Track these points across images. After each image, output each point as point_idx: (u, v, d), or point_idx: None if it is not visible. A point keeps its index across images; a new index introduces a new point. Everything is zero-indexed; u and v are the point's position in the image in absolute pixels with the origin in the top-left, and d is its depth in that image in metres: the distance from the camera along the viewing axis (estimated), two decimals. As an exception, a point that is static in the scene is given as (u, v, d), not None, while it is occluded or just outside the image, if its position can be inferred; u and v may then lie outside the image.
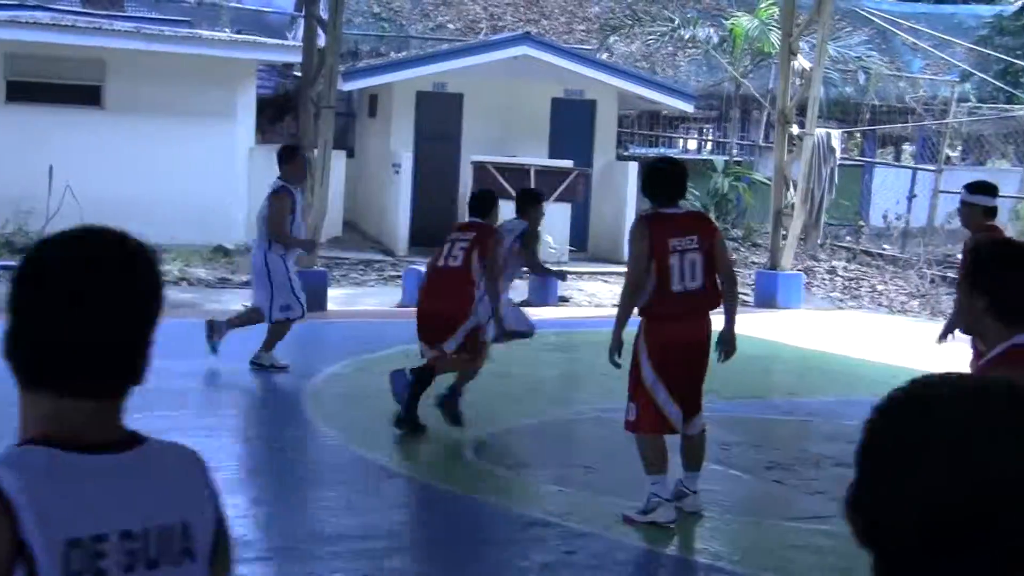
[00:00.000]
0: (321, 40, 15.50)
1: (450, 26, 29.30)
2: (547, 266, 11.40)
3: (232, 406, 9.83)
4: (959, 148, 29.04)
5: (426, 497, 7.90)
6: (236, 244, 19.76)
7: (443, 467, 8.51)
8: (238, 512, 7.08)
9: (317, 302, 14.98)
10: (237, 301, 16.18)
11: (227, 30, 22.98)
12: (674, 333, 7.06)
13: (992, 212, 9.82)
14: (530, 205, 9.83)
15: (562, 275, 11.37)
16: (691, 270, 7.03)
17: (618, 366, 7.06)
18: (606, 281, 18.85)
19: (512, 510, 7.46)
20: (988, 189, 9.79)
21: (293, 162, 11.47)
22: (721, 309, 7.30)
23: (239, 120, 20.91)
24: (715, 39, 26.55)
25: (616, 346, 7.20)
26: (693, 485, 7.31)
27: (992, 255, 3.84)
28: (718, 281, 7.22)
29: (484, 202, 9.68)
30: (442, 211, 20.21)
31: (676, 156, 28.42)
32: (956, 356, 10.96)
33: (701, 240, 7.10)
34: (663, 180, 7.28)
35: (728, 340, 7.33)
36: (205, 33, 21.62)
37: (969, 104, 24.68)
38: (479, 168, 19.58)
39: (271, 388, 10.83)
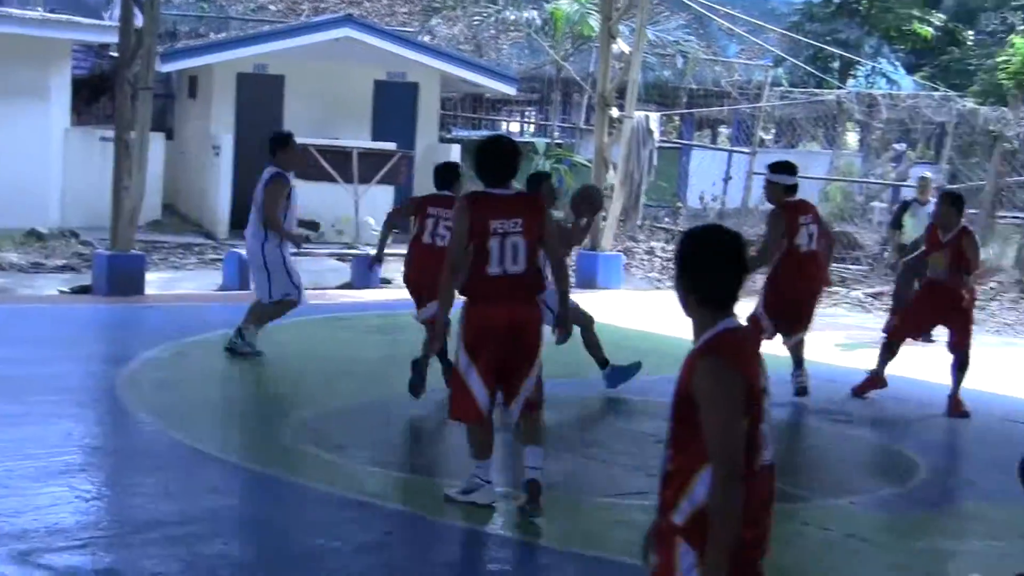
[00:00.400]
0: (139, 20, 15.18)
1: (271, 7, 29.00)
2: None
3: (43, 392, 9.60)
4: (772, 131, 29.83)
5: (244, 481, 7.85)
6: (50, 228, 19.28)
7: (262, 451, 8.45)
8: (52, 500, 6.95)
9: (134, 286, 14.73)
10: (52, 286, 15.81)
11: (40, 8, 22.35)
12: (490, 316, 6.90)
13: (792, 189, 10.42)
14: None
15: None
16: (512, 253, 6.87)
17: (444, 352, 7.02)
18: (429, 263, 18.86)
19: (331, 492, 7.46)
20: (787, 168, 10.55)
21: (287, 149, 11.37)
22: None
23: (53, 101, 20.39)
24: (538, 22, 26.77)
25: (440, 330, 7.18)
26: (534, 461, 7.12)
27: (691, 245, 3.98)
28: (545, 265, 7.17)
29: (451, 173, 10.15)
30: (263, 194, 19.98)
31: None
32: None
33: (526, 224, 6.93)
34: (490, 159, 7.06)
35: (563, 322, 7.29)
36: (16, 12, 20.99)
37: (781, 88, 25.37)
38: (301, 150, 19.38)
39: (85, 374, 10.61)
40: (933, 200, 15.01)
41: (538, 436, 7.14)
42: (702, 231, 4.02)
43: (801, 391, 10.83)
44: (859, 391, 11.13)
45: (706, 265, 3.92)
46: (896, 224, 15.48)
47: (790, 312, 10.69)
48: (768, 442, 3.90)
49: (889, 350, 11.00)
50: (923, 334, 12.23)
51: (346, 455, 8.35)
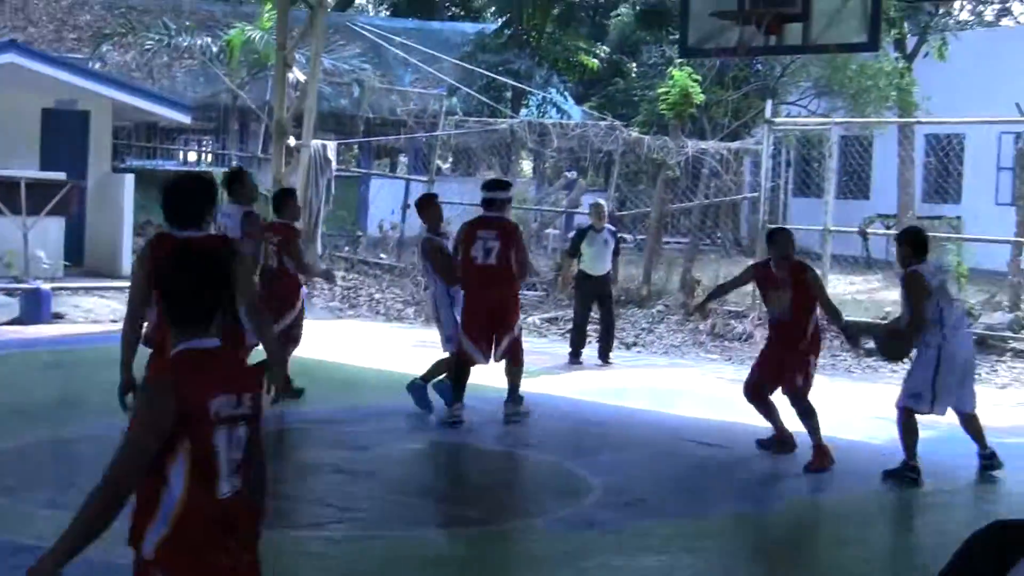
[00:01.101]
0: None
1: (-72, 31, 27.63)
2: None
3: None
4: (449, 159, 30.34)
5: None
6: None
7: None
8: None
9: None
10: None
11: None
12: None
13: (487, 204, 11.25)
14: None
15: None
16: None
17: (125, 408, 6.41)
18: (103, 296, 18.37)
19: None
20: (489, 185, 11.47)
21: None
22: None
23: None
24: (213, 49, 26.44)
25: (125, 384, 6.61)
26: None
27: (166, 264, 3.99)
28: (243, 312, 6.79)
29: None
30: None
31: (174, 168, 28.08)
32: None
33: None
34: (170, 200, 6.62)
35: (278, 370, 6.87)
36: None
37: (456, 117, 25.82)
38: None
39: None
40: (608, 227, 15.58)
41: None
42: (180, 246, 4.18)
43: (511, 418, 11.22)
44: (766, 445, 10.40)
45: (175, 280, 3.82)
46: (573, 252, 15.67)
47: (487, 325, 11.00)
48: (228, 472, 3.73)
49: (765, 406, 10.30)
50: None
51: (17, 497, 8.06)
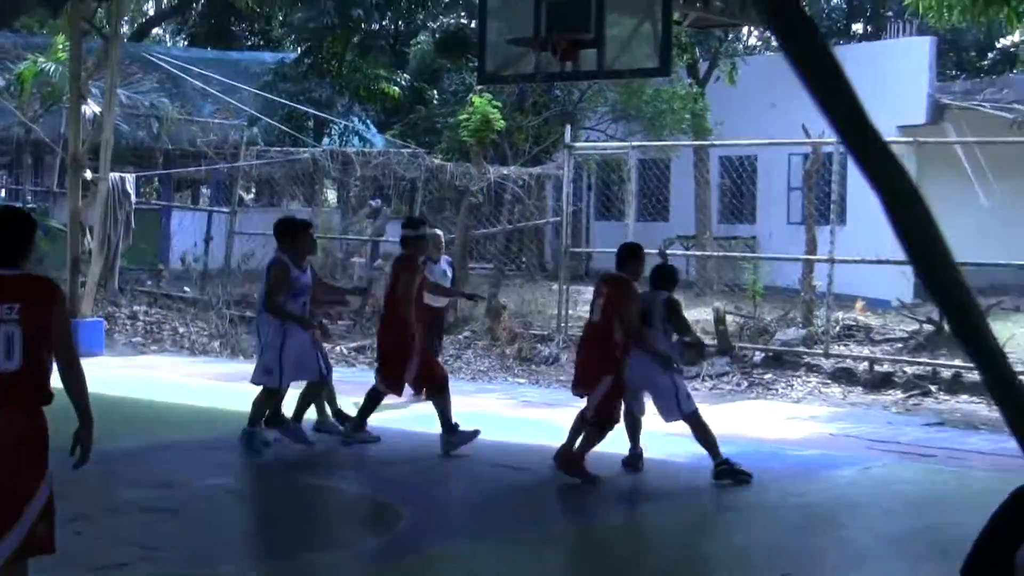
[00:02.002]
0: None
1: None
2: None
3: None
4: (252, 190, 30.07)
5: None
6: None
7: None
8: None
9: None
10: None
11: None
12: None
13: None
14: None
15: None
16: (6, 346, 5.58)
17: None
18: None
19: None
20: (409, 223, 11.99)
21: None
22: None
23: None
24: (1, 82, 25.75)
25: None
26: None
27: None
28: (50, 363, 5.80)
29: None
30: None
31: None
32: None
33: (24, 311, 5.64)
34: None
35: (83, 439, 5.96)
36: None
37: (258, 147, 25.60)
38: None
39: None
40: (445, 258, 15.48)
41: None
42: None
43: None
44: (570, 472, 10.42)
45: None
46: None
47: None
48: None
49: (601, 432, 10.44)
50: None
51: None
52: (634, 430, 10.71)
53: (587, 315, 11.26)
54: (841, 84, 4.58)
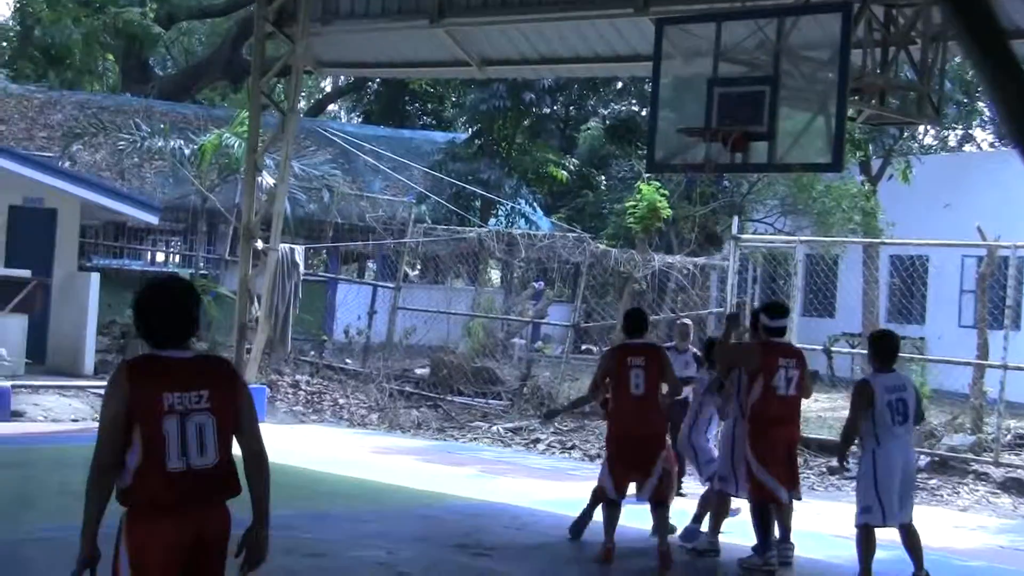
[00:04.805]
0: None
1: None
2: None
3: None
4: (417, 267, 30.44)
5: None
6: None
7: None
8: None
9: None
10: None
11: None
12: (166, 530, 4.99)
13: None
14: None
15: None
16: (198, 440, 5.00)
17: None
18: (63, 395, 18.22)
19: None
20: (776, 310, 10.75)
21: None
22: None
23: None
24: (184, 152, 26.55)
25: (87, 557, 5.00)
26: None
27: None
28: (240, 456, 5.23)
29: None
30: None
31: (141, 268, 28.04)
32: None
33: (215, 397, 5.07)
34: (156, 311, 5.16)
35: (255, 543, 5.26)
36: None
37: (425, 225, 25.94)
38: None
39: None
40: (692, 349, 14.88)
41: None
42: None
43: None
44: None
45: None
46: None
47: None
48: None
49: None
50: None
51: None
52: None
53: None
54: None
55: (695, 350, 14.36)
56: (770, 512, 10.32)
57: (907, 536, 9.72)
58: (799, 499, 10.70)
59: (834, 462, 13.42)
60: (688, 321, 15.56)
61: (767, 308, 10.84)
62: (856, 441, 9.72)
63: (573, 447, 17.64)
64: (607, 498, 10.48)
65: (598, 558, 10.30)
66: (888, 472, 9.45)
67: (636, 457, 10.37)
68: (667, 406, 10.75)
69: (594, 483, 10.84)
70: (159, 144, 26.01)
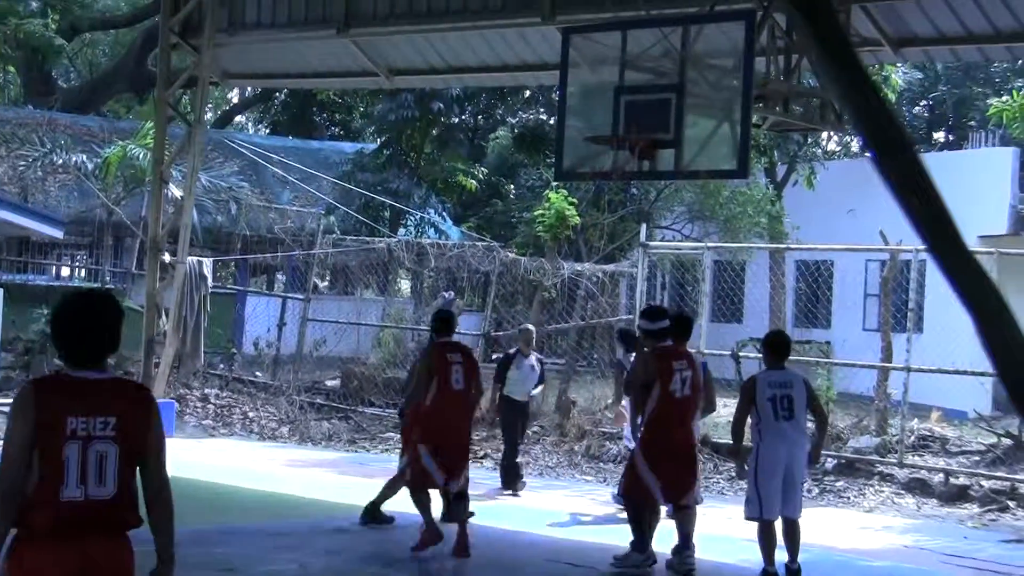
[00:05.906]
0: None
1: None
2: None
3: None
4: (327, 278, 30.28)
5: None
6: None
7: None
8: None
9: None
10: None
11: None
12: (55, 559, 4.68)
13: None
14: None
15: None
16: (98, 469, 4.72)
17: None
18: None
19: None
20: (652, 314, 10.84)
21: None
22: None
23: None
24: (88, 166, 26.22)
25: None
26: None
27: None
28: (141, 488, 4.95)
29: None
30: None
31: (46, 283, 27.61)
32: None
33: (123, 426, 4.78)
34: (75, 329, 4.86)
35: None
36: None
37: (334, 235, 25.82)
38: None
39: None
40: (535, 354, 15.23)
41: None
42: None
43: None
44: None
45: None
46: (500, 378, 14.96)
47: None
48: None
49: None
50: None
51: None
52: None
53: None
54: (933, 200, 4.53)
55: (539, 355, 15.17)
56: (646, 511, 10.43)
57: (788, 529, 9.94)
58: (700, 502, 10.80)
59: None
60: (531, 326, 15.96)
61: (645, 313, 11.10)
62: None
63: (485, 456, 17.65)
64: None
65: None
66: (769, 466, 9.70)
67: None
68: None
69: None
70: (62, 159, 25.66)
